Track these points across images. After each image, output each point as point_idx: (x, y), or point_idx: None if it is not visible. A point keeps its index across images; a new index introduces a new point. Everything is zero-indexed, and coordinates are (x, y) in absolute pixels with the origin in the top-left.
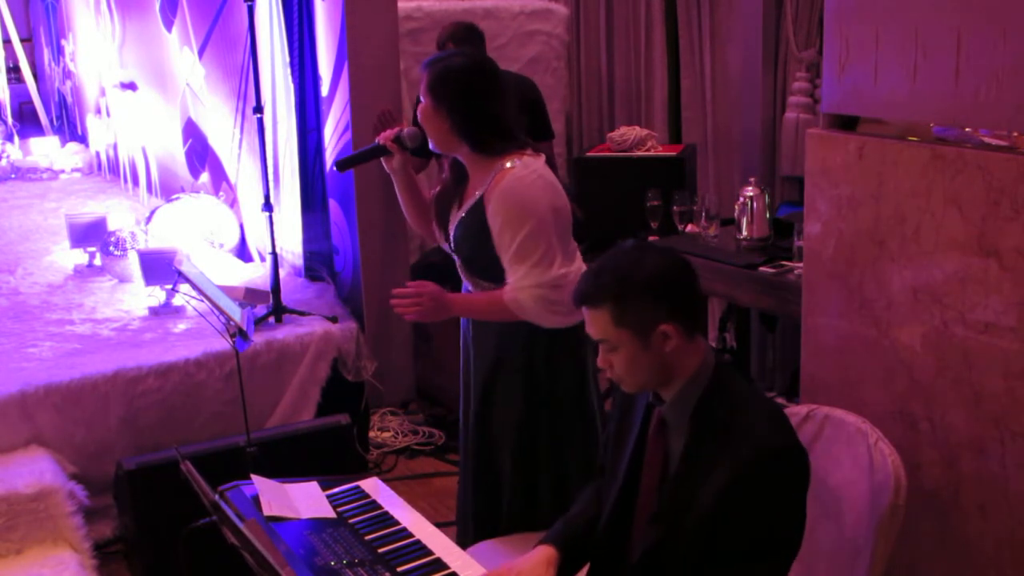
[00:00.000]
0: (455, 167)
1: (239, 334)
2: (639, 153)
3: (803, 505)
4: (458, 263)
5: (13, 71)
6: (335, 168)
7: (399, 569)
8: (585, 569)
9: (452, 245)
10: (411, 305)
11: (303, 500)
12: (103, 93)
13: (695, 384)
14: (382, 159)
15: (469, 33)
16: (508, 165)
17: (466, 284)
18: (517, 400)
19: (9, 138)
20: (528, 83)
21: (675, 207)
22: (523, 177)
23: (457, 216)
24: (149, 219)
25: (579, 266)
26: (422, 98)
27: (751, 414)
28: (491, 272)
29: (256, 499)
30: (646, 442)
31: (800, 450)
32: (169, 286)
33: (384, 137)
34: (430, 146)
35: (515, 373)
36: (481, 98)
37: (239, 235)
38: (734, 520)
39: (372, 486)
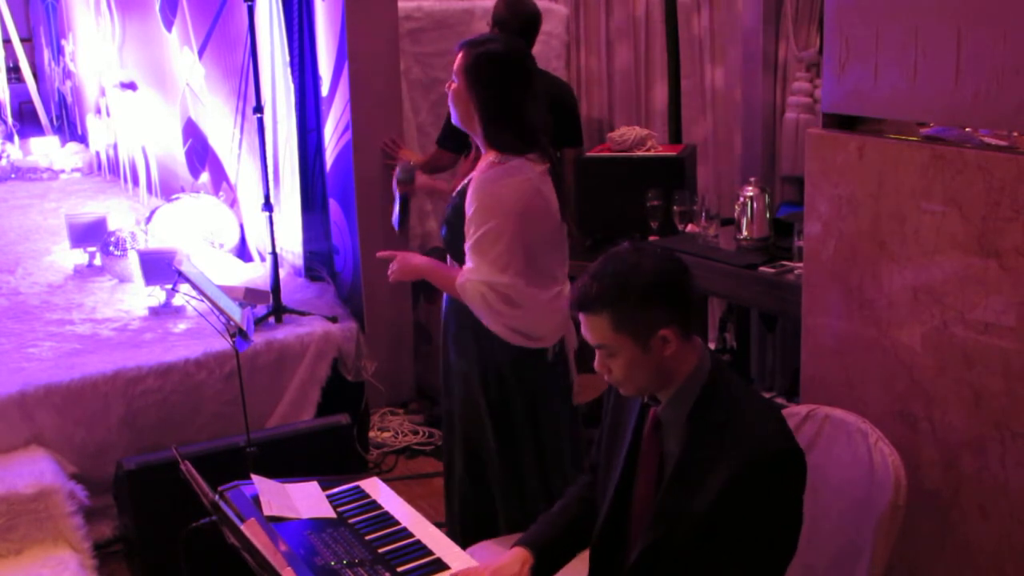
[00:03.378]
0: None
1: (239, 334)
2: (639, 153)
3: (800, 507)
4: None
5: (13, 71)
6: (398, 231)
7: (399, 569)
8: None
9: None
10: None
11: (303, 500)
12: (103, 93)
13: (692, 384)
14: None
15: (529, 22)
16: (497, 160)
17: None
18: (479, 403)
19: (9, 138)
20: (565, 87)
21: (675, 207)
22: (503, 175)
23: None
24: (149, 219)
25: (549, 297)
26: (455, 77)
27: (749, 415)
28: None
29: (256, 499)
30: (641, 441)
31: (798, 452)
32: (169, 286)
33: (399, 187)
34: (453, 120)
35: (479, 379)
36: (509, 92)
37: (239, 235)
38: (732, 521)
39: (372, 486)
